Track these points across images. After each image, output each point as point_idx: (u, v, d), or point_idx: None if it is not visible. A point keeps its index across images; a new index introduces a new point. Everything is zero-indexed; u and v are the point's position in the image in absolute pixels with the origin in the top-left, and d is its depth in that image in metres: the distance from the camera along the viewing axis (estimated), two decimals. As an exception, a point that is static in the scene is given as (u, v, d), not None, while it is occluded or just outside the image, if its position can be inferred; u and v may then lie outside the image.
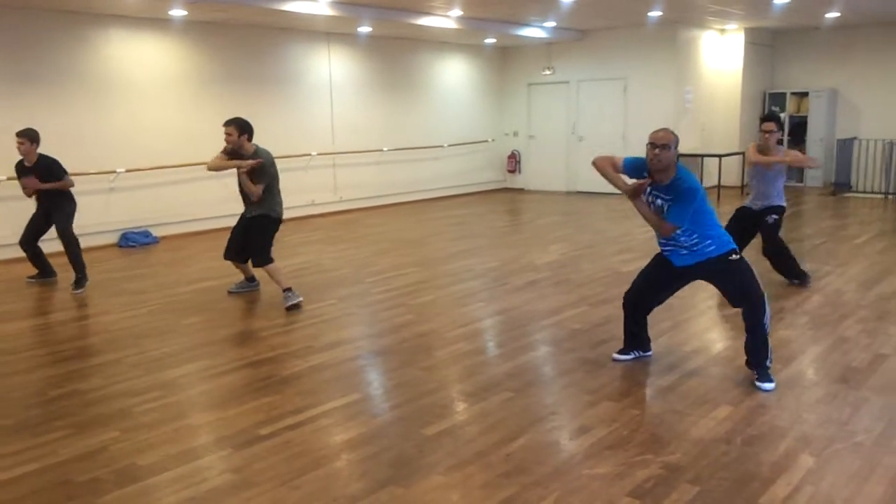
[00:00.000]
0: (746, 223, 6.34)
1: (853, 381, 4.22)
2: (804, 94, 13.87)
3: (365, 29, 11.18)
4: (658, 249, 4.41)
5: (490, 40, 13.31)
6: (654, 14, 11.41)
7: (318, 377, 4.49)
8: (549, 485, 3.11)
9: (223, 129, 6.04)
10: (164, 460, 3.41)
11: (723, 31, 13.71)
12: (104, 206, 9.12)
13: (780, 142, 6.48)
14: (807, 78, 13.93)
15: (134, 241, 9.25)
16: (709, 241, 4.16)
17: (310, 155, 11.24)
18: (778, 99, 14.17)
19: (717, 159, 13.15)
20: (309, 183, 11.36)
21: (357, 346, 5.13)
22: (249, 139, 6.09)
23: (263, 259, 6.12)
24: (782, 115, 14.04)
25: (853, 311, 5.63)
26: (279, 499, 3.05)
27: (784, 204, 6.35)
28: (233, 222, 6.47)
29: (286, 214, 10.76)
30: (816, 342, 4.96)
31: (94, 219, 8.94)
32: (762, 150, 6.27)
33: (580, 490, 3.07)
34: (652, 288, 4.46)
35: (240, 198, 6.23)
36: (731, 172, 13.64)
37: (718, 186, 13.24)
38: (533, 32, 12.29)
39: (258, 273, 6.45)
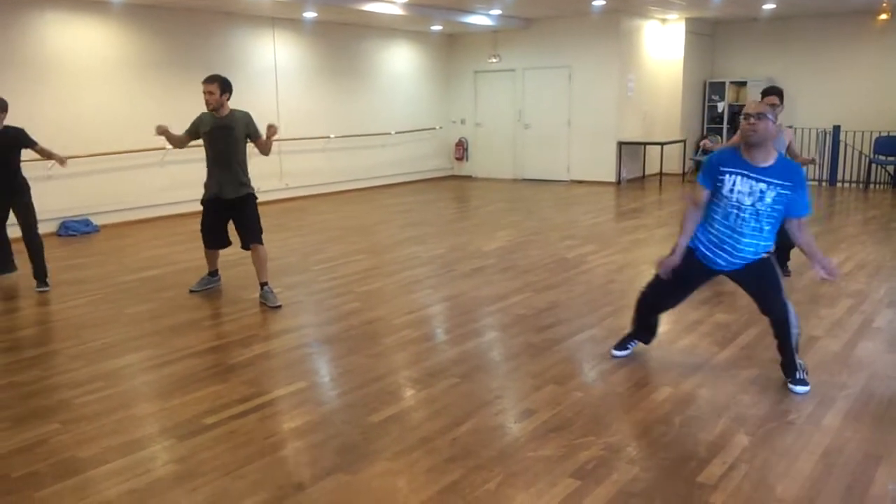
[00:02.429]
0: None
1: (786, 362, 4.37)
2: (743, 84, 14.20)
3: (310, 14, 11.06)
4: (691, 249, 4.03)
5: (436, 27, 13.30)
6: (598, 3, 11.54)
7: (264, 366, 4.47)
8: (493, 468, 3.17)
9: (203, 86, 5.64)
10: (105, 452, 3.36)
11: (664, 20, 13.94)
12: (42, 193, 8.78)
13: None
14: (745, 67, 14.27)
15: (74, 229, 9.02)
16: (763, 252, 3.87)
17: (254, 142, 11.08)
18: (718, 88, 14.49)
19: (658, 147, 13.41)
20: (254, 170, 11.13)
21: (304, 334, 5.11)
22: (228, 99, 5.80)
23: (261, 235, 5.84)
24: (721, 104, 14.39)
25: (787, 294, 5.80)
26: (224, 488, 3.04)
27: None
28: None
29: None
30: (753, 325, 5.11)
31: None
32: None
33: (524, 472, 3.14)
34: (679, 291, 4.19)
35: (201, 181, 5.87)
36: (673, 160, 13.92)
37: (660, 174, 13.52)
38: (479, 20, 12.32)
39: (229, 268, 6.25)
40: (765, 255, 3.86)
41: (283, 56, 11.55)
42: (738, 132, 6.00)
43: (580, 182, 13.42)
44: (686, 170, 13.97)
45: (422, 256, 7.46)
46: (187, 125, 6.01)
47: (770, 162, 3.71)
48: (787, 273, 6.36)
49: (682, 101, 14.05)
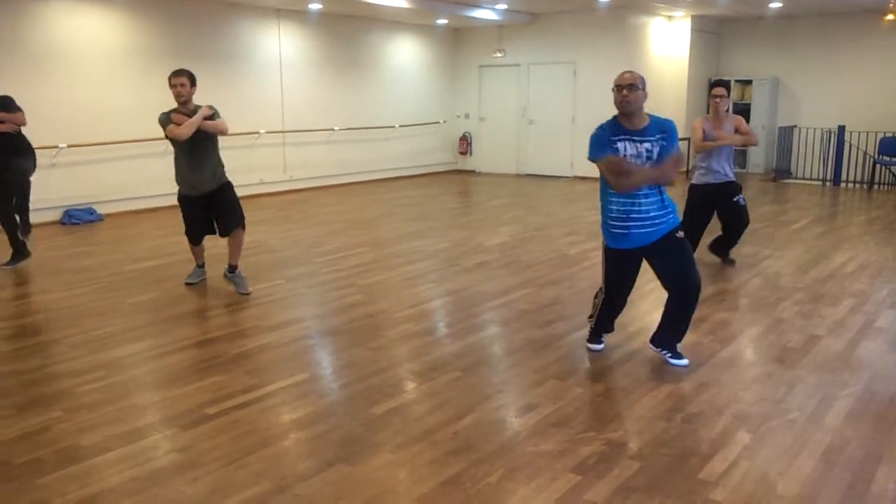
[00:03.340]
0: (705, 201, 6.47)
1: (788, 360, 4.38)
2: (748, 82, 14.17)
3: (316, 6, 11.05)
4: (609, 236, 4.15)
5: (442, 21, 13.27)
6: (604, 0, 11.51)
7: (267, 357, 4.47)
8: (494, 462, 3.17)
9: (171, 80, 5.60)
10: (107, 440, 3.37)
11: (670, 17, 13.90)
12: (46, 182, 8.84)
13: (727, 109, 6.60)
14: (751, 66, 14.24)
15: (77, 218, 9.03)
16: (670, 208, 4.06)
17: (258, 133, 11.09)
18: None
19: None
20: (257, 161, 11.23)
21: (306, 325, 5.12)
22: (193, 94, 5.76)
23: (243, 221, 5.91)
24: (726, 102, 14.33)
25: (790, 293, 5.82)
26: (226, 478, 3.04)
27: (736, 179, 6.55)
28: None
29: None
30: (754, 323, 5.12)
31: (36, 195, 8.64)
32: (712, 118, 6.41)
33: (525, 466, 3.14)
34: (627, 282, 4.32)
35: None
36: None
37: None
38: (484, 14, 12.30)
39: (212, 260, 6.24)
40: (679, 234, 4.05)
41: (288, 48, 11.54)
42: (711, 109, 6.44)
43: (584, 178, 13.40)
44: (690, 167, 13.93)
45: (424, 250, 7.46)
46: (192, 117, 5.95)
47: (646, 123, 3.99)
48: (729, 261, 6.63)
49: (687, 99, 14.01)
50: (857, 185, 12.55)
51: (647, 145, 3.95)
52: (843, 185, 12.59)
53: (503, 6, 12.25)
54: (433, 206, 10.68)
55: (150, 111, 9.59)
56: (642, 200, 3.98)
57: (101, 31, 9.31)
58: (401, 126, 13.53)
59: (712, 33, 14.41)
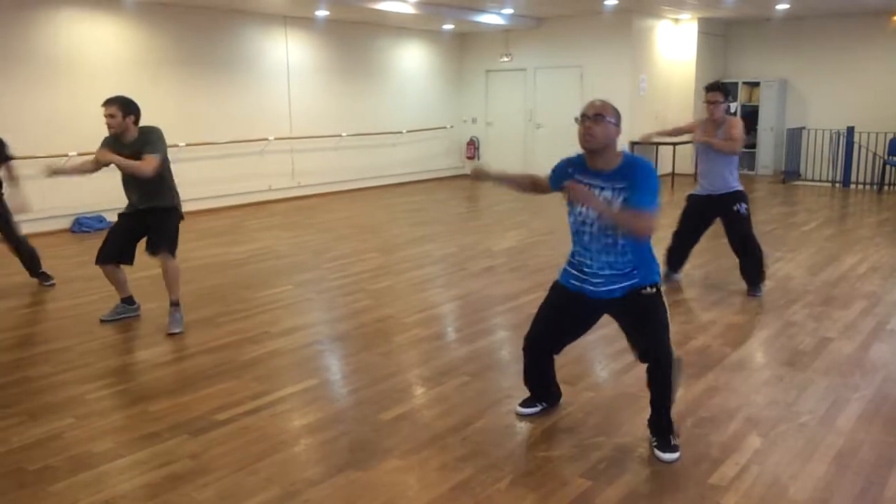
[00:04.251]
0: (703, 212, 5.84)
1: (799, 363, 4.36)
2: (755, 84, 14.13)
3: (322, 13, 11.08)
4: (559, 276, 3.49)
5: (448, 26, 13.29)
6: (610, 3, 11.50)
7: (276, 363, 4.48)
8: (504, 467, 3.16)
9: (102, 109, 5.05)
10: (118, 447, 3.38)
11: (677, 20, 13.88)
12: (56, 190, 8.90)
13: (730, 112, 5.80)
14: (758, 68, 14.20)
15: (87, 226, 9.07)
16: (638, 269, 3.23)
17: (266, 140, 11.12)
18: (730, 88, 14.39)
19: (671, 147, 13.35)
20: (266, 168, 11.26)
21: (314, 331, 5.12)
22: (136, 122, 5.12)
23: (172, 247, 5.17)
24: (734, 105, 14.31)
25: (801, 296, 5.79)
26: (237, 484, 3.05)
27: (743, 189, 5.77)
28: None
29: (242, 199, 10.84)
30: (765, 326, 5.10)
31: (46, 203, 8.74)
32: (706, 126, 5.70)
33: (535, 472, 3.13)
34: (564, 325, 3.51)
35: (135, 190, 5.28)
36: (685, 160, 13.86)
37: (672, 174, 13.47)
38: (490, 19, 12.30)
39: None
40: (648, 290, 3.22)
41: (296, 55, 11.57)
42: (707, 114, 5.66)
43: (591, 182, 13.38)
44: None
45: (432, 255, 7.46)
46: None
47: (614, 166, 3.17)
48: (753, 292, 5.77)
49: (695, 102, 13.97)
50: (867, 187, 12.49)
51: (606, 193, 3.14)
52: (852, 186, 12.53)
53: (509, 11, 12.25)
54: (441, 211, 10.68)
55: (159, 120, 9.66)
56: (594, 258, 3.25)
57: (110, 40, 9.37)
58: (408, 131, 13.55)
59: (719, 35, 14.38)
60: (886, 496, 2.92)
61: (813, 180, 13.10)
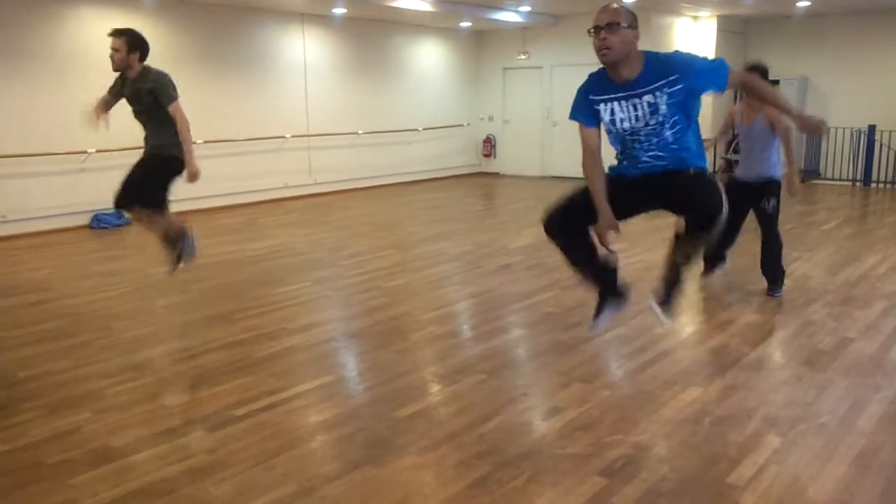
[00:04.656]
0: (742, 196, 5.38)
1: (819, 363, 4.31)
2: (775, 82, 13.99)
3: (340, 10, 11.11)
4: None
5: (465, 24, 13.28)
6: (629, 0, 11.43)
7: (293, 359, 4.49)
8: (520, 464, 3.16)
9: (109, 40, 4.95)
10: (137, 441, 3.40)
11: (696, 18, 13.79)
12: (74, 186, 8.99)
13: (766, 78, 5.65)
14: (778, 66, 14.04)
15: (106, 222, 9.14)
16: (689, 153, 3.16)
17: (283, 137, 11.16)
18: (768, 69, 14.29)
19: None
20: (283, 165, 11.30)
21: (331, 328, 5.14)
22: (142, 59, 4.99)
23: (145, 199, 5.14)
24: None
25: (820, 295, 5.74)
26: (254, 479, 3.06)
27: (778, 178, 5.57)
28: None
29: (259, 197, 10.89)
30: (784, 326, 5.05)
31: (65, 199, 8.83)
32: (746, 104, 5.61)
33: (551, 470, 3.12)
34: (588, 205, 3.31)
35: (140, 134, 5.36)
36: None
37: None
38: (508, 17, 12.28)
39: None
40: (697, 171, 3.12)
41: (313, 52, 11.60)
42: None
43: (608, 180, 13.33)
44: (716, 168, 13.82)
45: (448, 253, 7.46)
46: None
47: (639, 70, 3.01)
48: (775, 291, 5.68)
49: (713, 100, 13.88)
50: (888, 186, 12.36)
51: (647, 98, 3.00)
52: (873, 185, 12.40)
53: (527, 8, 12.22)
54: (457, 209, 10.68)
55: (177, 116, 9.73)
56: (641, 157, 3.19)
57: (128, 37, 9.43)
58: (424, 129, 13.55)
59: (739, 33, 14.27)
60: (908, 498, 2.89)
61: (833, 179, 12.98)
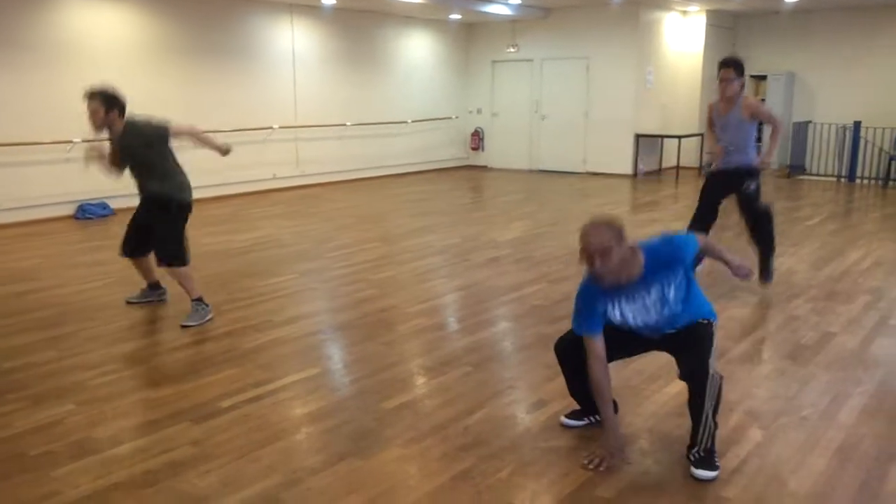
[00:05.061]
0: (717, 186, 5.77)
1: (801, 357, 4.35)
2: (763, 78, 14.07)
3: (329, 1, 11.06)
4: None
5: (455, 16, 13.25)
6: (618, -6, 11.46)
7: (279, 351, 4.49)
8: (505, 457, 3.17)
9: (85, 103, 4.84)
10: (120, 433, 3.39)
11: (685, 12, 13.82)
12: (60, 176, 8.92)
13: (742, 87, 5.76)
14: (766, 61, 14.13)
15: (91, 213, 9.08)
16: (696, 310, 3.17)
17: (271, 128, 11.12)
18: (744, 65, 14.33)
19: (676, 140, 13.32)
20: (270, 156, 11.26)
21: (317, 320, 5.13)
22: (122, 114, 4.87)
23: (175, 256, 5.00)
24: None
25: (804, 290, 5.78)
26: (239, 471, 3.06)
27: (757, 164, 5.65)
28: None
29: (246, 188, 10.84)
30: (768, 320, 5.09)
31: (50, 190, 8.77)
32: (720, 102, 5.68)
33: (536, 462, 3.14)
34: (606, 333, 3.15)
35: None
36: (690, 153, 13.82)
37: (677, 167, 13.44)
38: (497, 9, 12.26)
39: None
40: (704, 322, 3.16)
41: (301, 43, 11.55)
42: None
43: (596, 174, 13.37)
44: (703, 164, 13.87)
45: (436, 245, 7.46)
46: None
47: (640, 271, 2.97)
48: (766, 278, 5.78)
49: (701, 95, 13.93)
50: (873, 182, 12.45)
51: (655, 291, 3.01)
52: (858, 181, 12.48)
53: (517, 1, 12.21)
54: (445, 202, 10.67)
55: (164, 106, 9.66)
56: (653, 331, 3.17)
57: (115, 26, 9.35)
58: (413, 121, 13.53)
59: (727, 28, 14.31)
60: (886, 490, 2.92)
61: (818, 174, 13.06)
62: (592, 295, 3.05)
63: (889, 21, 12.72)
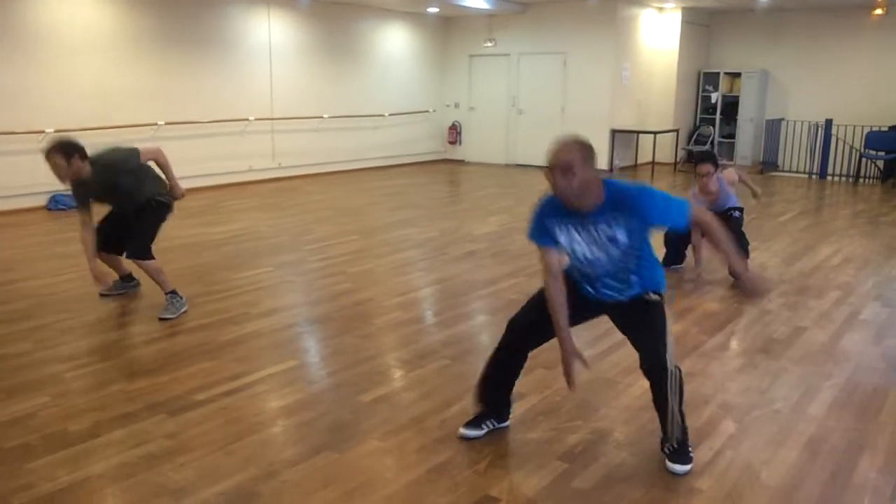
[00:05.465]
0: None
1: (773, 351, 4.42)
2: (737, 75, 14.21)
3: (306, -7, 10.99)
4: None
5: (433, 10, 13.23)
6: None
7: (255, 344, 4.48)
8: (482, 449, 3.19)
9: (47, 162, 4.71)
10: (95, 426, 3.37)
11: (661, 9, 13.91)
12: (33, 167, 8.78)
13: (718, 166, 5.92)
14: (740, 58, 14.28)
15: (64, 204, 8.96)
16: (638, 280, 3.04)
17: (247, 120, 11.04)
18: (712, 78, 14.49)
19: (651, 136, 13.43)
20: (246, 148, 11.19)
21: (294, 313, 5.12)
22: (83, 157, 4.74)
23: (141, 250, 5.00)
24: (714, 94, 14.40)
25: (776, 285, 5.87)
26: (215, 464, 3.05)
27: (741, 206, 6.09)
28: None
29: (222, 180, 10.76)
30: (741, 315, 5.16)
31: (23, 180, 8.65)
32: (705, 192, 5.84)
33: (513, 454, 3.16)
34: (536, 324, 3.24)
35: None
36: (665, 149, 13.94)
37: (653, 163, 13.54)
38: (475, 3, 12.26)
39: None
40: (651, 296, 3.03)
41: (278, 35, 11.47)
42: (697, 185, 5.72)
43: (572, 169, 13.40)
44: (678, 159, 14.00)
45: (413, 239, 7.46)
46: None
47: (598, 201, 2.87)
48: (679, 261, 6.17)
49: (677, 91, 14.05)
50: (843, 179, 12.64)
51: (602, 227, 2.89)
52: (829, 178, 12.67)
53: (494, -5, 12.22)
54: (422, 195, 10.67)
55: (139, 96, 9.59)
56: (600, 283, 3.07)
57: (90, 15, 9.22)
58: (390, 115, 13.50)
59: (702, 25, 14.44)
60: (855, 481, 2.99)
61: (790, 171, 13.23)
62: (546, 209, 3.00)
63: (861, 22, 12.91)
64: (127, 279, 5.47)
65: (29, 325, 4.76)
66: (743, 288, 2.89)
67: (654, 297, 3.03)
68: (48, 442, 3.22)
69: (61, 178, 4.76)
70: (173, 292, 5.04)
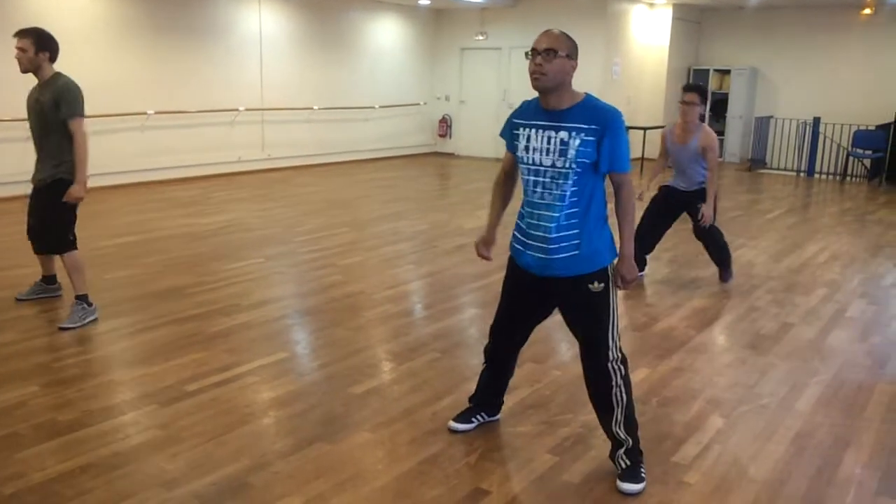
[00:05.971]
0: (672, 203, 5.76)
1: (761, 347, 4.46)
2: (726, 72, 14.27)
3: (297, -17, 10.94)
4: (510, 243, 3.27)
5: (424, 2, 13.20)
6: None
7: (246, 335, 4.47)
8: (473, 442, 3.21)
9: (15, 41, 4.46)
10: (85, 416, 3.36)
11: (652, 5, 13.94)
12: (19, 155, 8.70)
13: (702, 118, 5.74)
14: (730, 56, 14.33)
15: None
16: (586, 240, 2.86)
17: (237, 110, 10.98)
18: (701, 75, 14.53)
19: (641, 132, 13.46)
20: (236, 139, 11.13)
21: (285, 305, 5.12)
22: (52, 59, 4.50)
23: (59, 244, 4.65)
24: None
25: (763, 282, 5.91)
26: (206, 454, 3.05)
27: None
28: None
29: (211, 170, 10.72)
30: (729, 311, 5.20)
31: (9, 169, 8.57)
32: (678, 127, 5.62)
33: (503, 447, 3.18)
34: (515, 315, 3.26)
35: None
36: (655, 145, 13.96)
37: (642, 159, 13.59)
38: (467, -4, 12.24)
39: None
40: (595, 286, 2.85)
41: (269, 25, 11.41)
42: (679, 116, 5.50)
43: (562, 164, 13.43)
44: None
45: (404, 232, 7.47)
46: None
47: (571, 103, 2.84)
48: (727, 277, 5.86)
49: (666, 87, 14.09)
50: (831, 177, 12.72)
51: (562, 135, 2.80)
52: (816, 176, 12.75)
53: (486, -11, 12.19)
54: (412, 188, 10.67)
55: (127, 85, 9.52)
56: (544, 213, 2.93)
57: (79, 3, 9.14)
58: (381, 107, 13.47)
59: (693, 22, 14.48)
60: (840, 476, 3.02)
61: (778, 169, 13.31)
62: (520, 109, 3.06)
63: (850, 21, 12.97)
64: (48, 281, 5.05)
65: (16, 315, 4.73)
66: (619, 270, 2.88)
67: (598, 286, 2.85)
68: (37, 431, 3.21)
69: (21, 63, 4.48)
70: (84, 297, 4.60)
